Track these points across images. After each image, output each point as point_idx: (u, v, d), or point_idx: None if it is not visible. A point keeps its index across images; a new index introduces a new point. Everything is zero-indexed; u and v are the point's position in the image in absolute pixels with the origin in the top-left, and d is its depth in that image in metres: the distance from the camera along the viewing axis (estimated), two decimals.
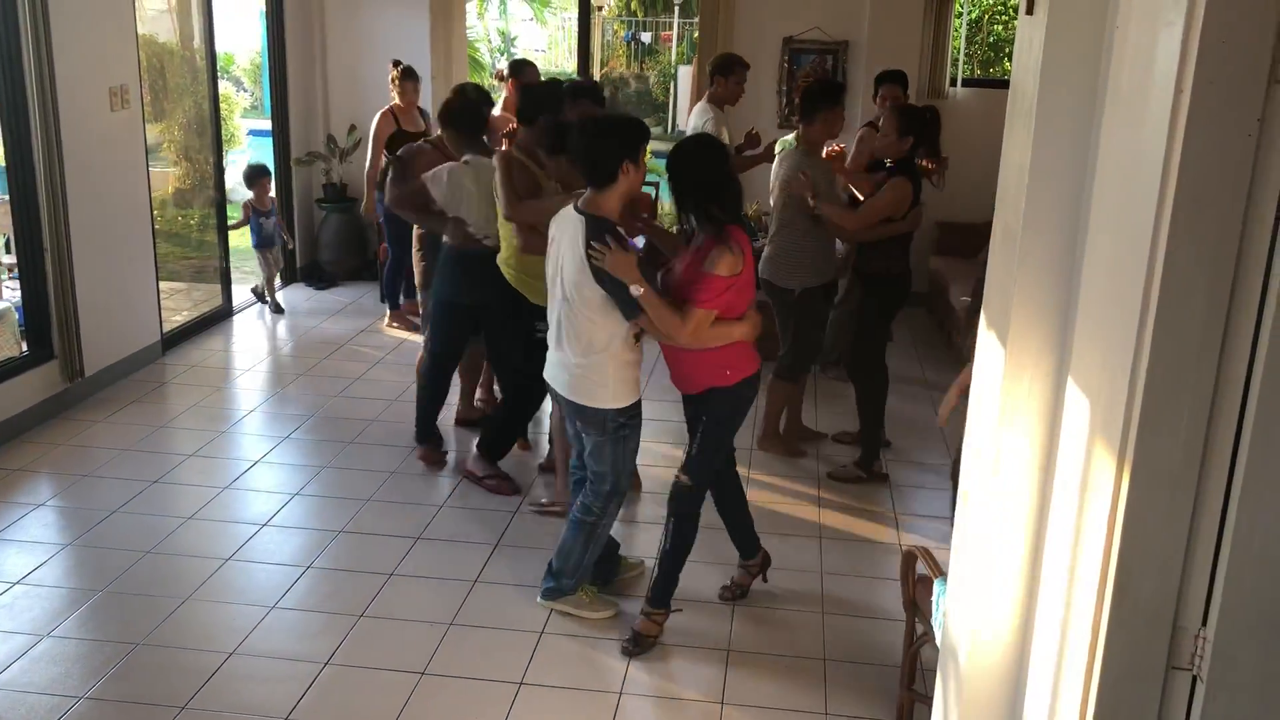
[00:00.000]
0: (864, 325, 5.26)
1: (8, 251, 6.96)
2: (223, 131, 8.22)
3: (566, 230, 3.65)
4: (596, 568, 4.06)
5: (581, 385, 3.73)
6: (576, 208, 3.64)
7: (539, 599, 4.03)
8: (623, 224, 3.64)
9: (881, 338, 5.32)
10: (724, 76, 6.48)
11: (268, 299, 7.89)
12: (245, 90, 15.05)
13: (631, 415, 3.77)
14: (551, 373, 3.85)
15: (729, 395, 3.76)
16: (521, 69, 6.97)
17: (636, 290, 3.48)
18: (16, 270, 5.85)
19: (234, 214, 7.97)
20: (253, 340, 7.35)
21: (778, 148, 5.62)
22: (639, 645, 3.82)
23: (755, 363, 3.81)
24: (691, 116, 6.70)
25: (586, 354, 3.67)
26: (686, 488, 3.81)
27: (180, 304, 7.98)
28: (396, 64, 7.28)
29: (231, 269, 7.88)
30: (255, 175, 7.73)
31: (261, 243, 7.76)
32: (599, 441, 3.79)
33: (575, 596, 4.00)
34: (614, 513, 3.95)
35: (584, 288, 3.57)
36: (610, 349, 3.65)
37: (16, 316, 5.89)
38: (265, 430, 5.69)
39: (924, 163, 5.21)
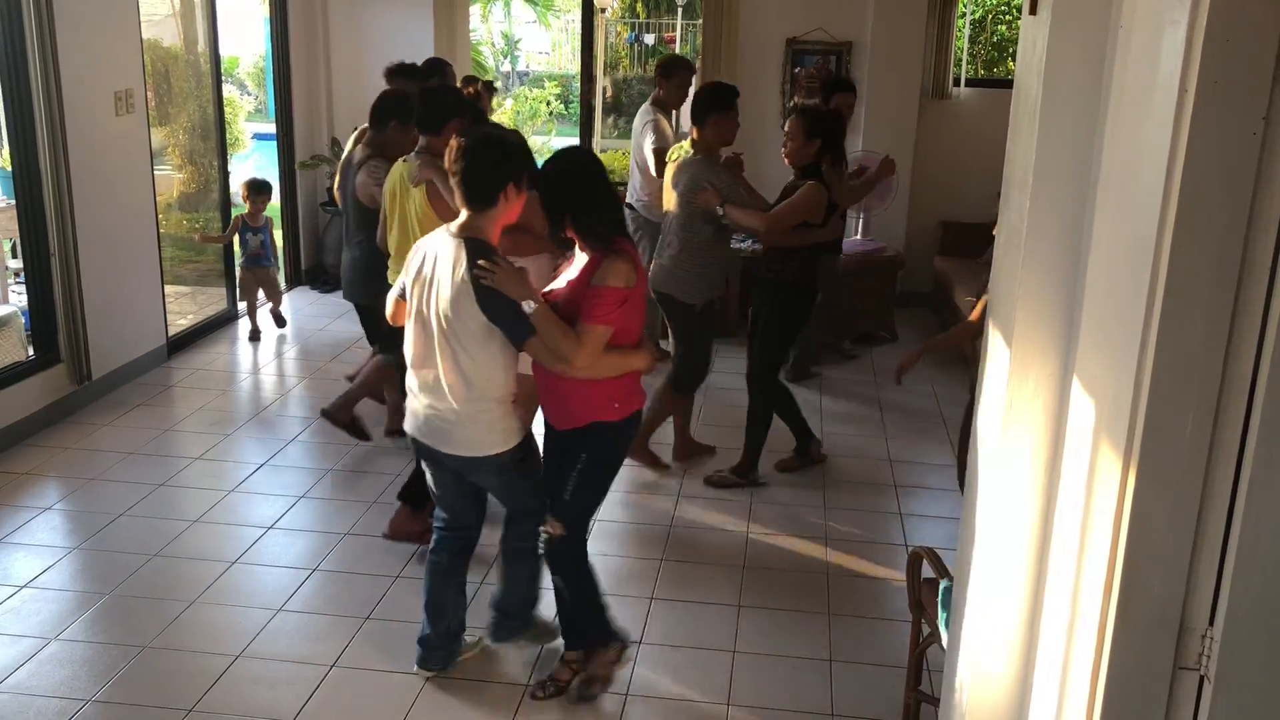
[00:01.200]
0: (768, 336, 5.09)
1: (14, 256, 6.98)
2: (227, 135, 8.23)
3: (439, 256, 3.26)
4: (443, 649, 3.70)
5: (467, 434, 3.34)
6: (450, 232, 3.29)
7: (490, 641, 3.74)
8: (503, 249, 3.33)
9: (785, 350, 5.23)
10: (666, 79, 6.44)
11: (254, 324, 7.39)
12: (249, 94, 15.08)
13: (525, 441, 3.46)
14: (417, 426, 3.41)
15: (614, 432, 3.42)
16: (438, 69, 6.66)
17: (529, 306, 3.14)
18: (23, 274, 5.86)
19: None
20: (258, 344, 7.35)
21: (670, 155, 5.34)
22: (590, 689, 3.57)
23: (642, 397, 3.53)
24: (636, 119, 6.67)
25: (469, 399, 3.28)
26: (559, 538, 3.47)
27: (185, 308, 7.99)
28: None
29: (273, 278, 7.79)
30: (257, 190, 7.30)
31: (248, 261, 7.31)
32: (503, 484, 3.51)
33: (531, 630, 3.75)
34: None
35: (464, 316, 3.18)
36: (494, 390, 3.29)
37: (23, 321, 5.90)
38: (271, 434, 5.69)
39: (828, 165, 5.06)
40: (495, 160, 3.24)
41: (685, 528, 4.79)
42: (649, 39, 15.73)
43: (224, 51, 8.30)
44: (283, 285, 8.04)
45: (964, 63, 8.85)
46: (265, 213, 7.33)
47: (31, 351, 5.79)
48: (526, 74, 19.39)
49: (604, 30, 14.30)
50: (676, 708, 3.57)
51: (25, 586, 4.17)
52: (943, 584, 3.13)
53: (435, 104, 4.55)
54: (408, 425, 3.46)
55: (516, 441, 3.40)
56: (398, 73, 6.72)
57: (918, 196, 8.03)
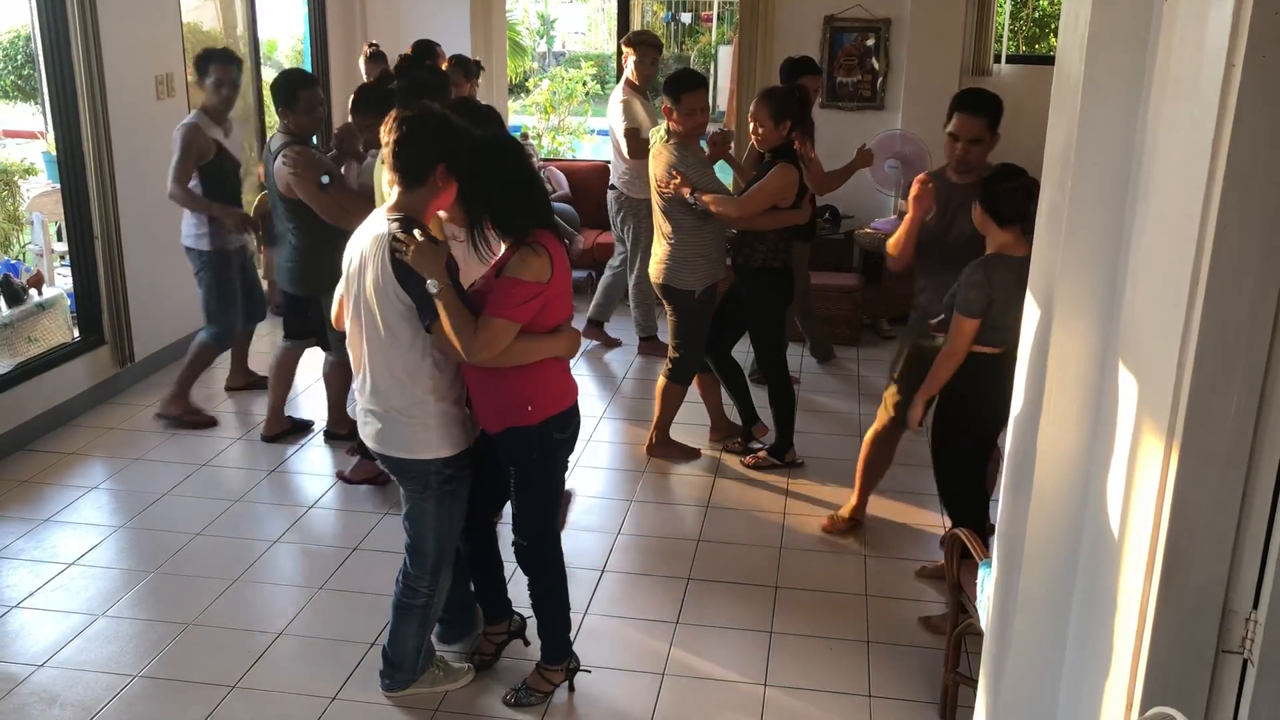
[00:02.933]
0: (752, 325, 5.07)
1: (59, 239, 7.07)
2: (265, 119, 8.29)
3: (368, 238, 3.12)
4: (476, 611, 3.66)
5: (395, 433, 3.16)
6: (383, 213, 3.15)
7: (386, 693, 3.48)
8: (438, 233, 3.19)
9: (774, 331, 5.14)
10: (635, 54, 6.36)
11: (273, 303, 7.34)
12: None
13: (460, 467, 3.22)
14: (361, 428, 3.29)
15: (531, 438, 3.18)
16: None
17: (434, 286, 2.94)
18: (68, 257, 5.94)
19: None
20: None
21: (654, 138, 5.15)
22: (528, 697, 3.46)
23: (568, 397, 3.26)
24: (610, 101, 6.60)
25: (399, 393, 3.12)
26: (524, 547, 3.37)
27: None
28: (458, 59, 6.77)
29: None
30: None
31: (273, 240, 7.46)
32: (419, 501, 3.25)
33: (426, 676, 3.50)
34: (445, 588, 3.41)
35: (387, 301, 3.05)
36: (422, 381, 3.12)
37: (68, 303, 5.99)
38: (311, 414, 5.75)
39: (799, 145, 4.98)
40: (425, 139, 3.08)
41: (721, 509, 4.80)
42: (685, 18, 15.63)
43: (263, 35, 8.36)
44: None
45: (1005, 39, 8.72)
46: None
47: (77, 333, 5.88)
48: (563, 54, 19.37)
49: (640, 9, 14.24)
50: (714, 687, 3.58)
51: (73, 564, 4.25)
52: (981, 566, 3.12)
53: (373, 96, 4.42)
54: (359, 427, 3.32)
55: (451, 454, 3.19)
56: (373, 58, 6.72)
57: None
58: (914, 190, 4.06)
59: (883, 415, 4.36)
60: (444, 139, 3.11)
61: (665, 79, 5.12)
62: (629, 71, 6.42)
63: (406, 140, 3.06)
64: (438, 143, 3.09)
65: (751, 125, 4.88)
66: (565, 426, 3.26)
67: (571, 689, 3.52)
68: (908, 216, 4.10)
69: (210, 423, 5.55)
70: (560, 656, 3.50)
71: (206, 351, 5.55)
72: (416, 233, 3.00)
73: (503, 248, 3.19)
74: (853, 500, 4.57)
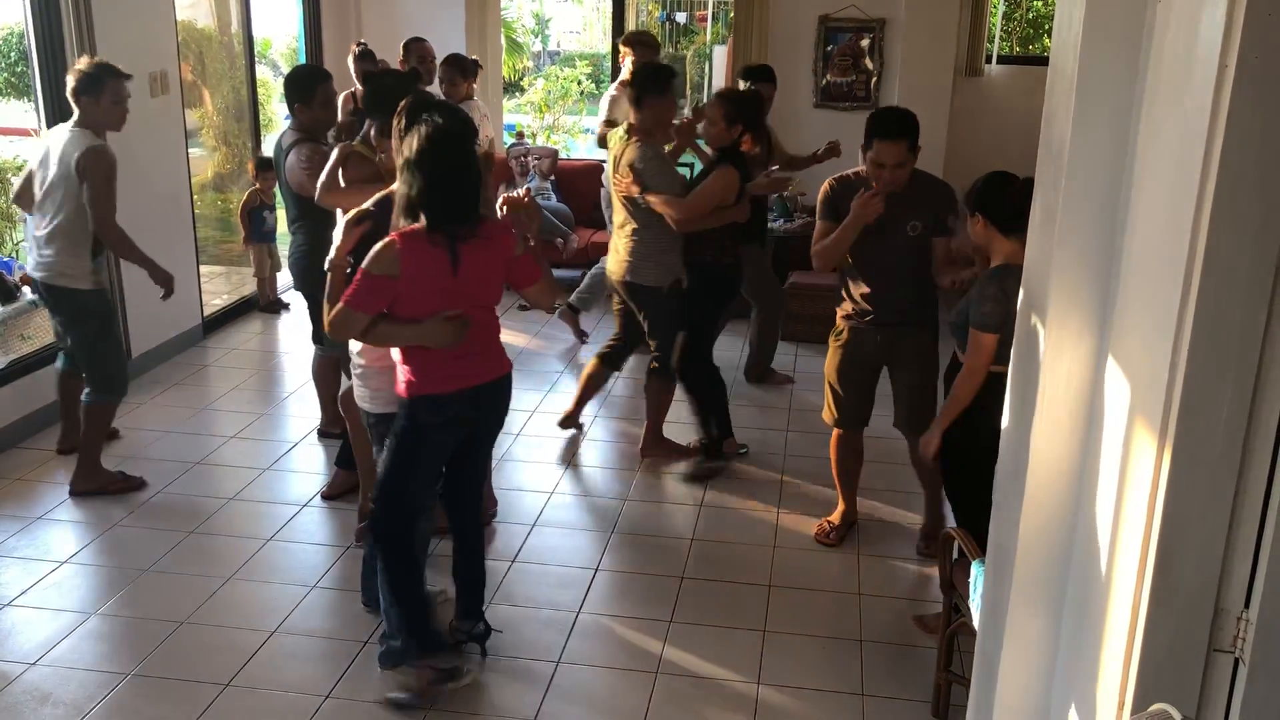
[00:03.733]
0: (691, 318, 5.02)
1: None
2: (260, 116, 8.28)
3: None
4: None
5: (361, 388, 3.62)
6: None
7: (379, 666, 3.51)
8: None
9: (709, 331, 5.14)
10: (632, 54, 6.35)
11: (264, 301, 7.54)
12: (282, 75, 15.13)
13: (408, 415, 3.32)
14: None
15: (404, 408, 3.31)
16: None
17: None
18: None
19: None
20: (292, 323, 7.41)
21: (610, 139, 5.16)
22: (401, 694, 3.43)
23: (446, 384, 3.28)
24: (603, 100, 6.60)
25: (360, 352, 3.56)
26: (372, 514, 3.43)
27: (220, 288, 8.07)
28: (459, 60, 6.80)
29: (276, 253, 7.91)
30: (266, 167, 7.31)
31: (261, 237, 7.48)
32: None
33: (416, 673, 3.43)
34: (386, 546, 3.40)
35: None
36: (359, 346, 3.50)
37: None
38: (305, 412, 5.74)
39: (747, 147, 5.02)
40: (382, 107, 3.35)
41: (714, 508, 4.80)
42: (680, 17, 15.63)
43: (257, 33, 8.35)
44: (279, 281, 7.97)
45: (998, 39, 8.75)
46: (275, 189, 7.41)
47: None
48: (558, 53, 19.36)
49: (635, 9, 14.23)
50: (707, 686, 3.59)
51: (66, 562, 4.24)
52: (975, 564, 3.12)
53: (383, 90, 4.34)
54: None
55: (381, 411, 3.51)
56: (361, 57, 6.71)
57: (950, 175, 7.88)
58: (860, 203, 4.03)
59: (827, 418, 4.47)
60: (382, 101, 3.41)
61: (633, 76, 5.11)
62: (625, 71, 6.42)
63: (408, 120, 3.21)
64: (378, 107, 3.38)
65: (704, 123, 4.93)
66: (437, 412, 3.30)
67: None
68: (845, 224, 4.10)
69: (140, 484, 4.85)
70: (428, 650, 3.41)
71: (106, 409, 4.83)
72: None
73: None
74: (840, 506, 4.58)
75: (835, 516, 4.58)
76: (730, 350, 6.73)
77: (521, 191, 3.50)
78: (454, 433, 3.38)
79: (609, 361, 5.34)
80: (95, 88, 4.53)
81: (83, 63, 4.63)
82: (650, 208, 4.78)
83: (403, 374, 3.29)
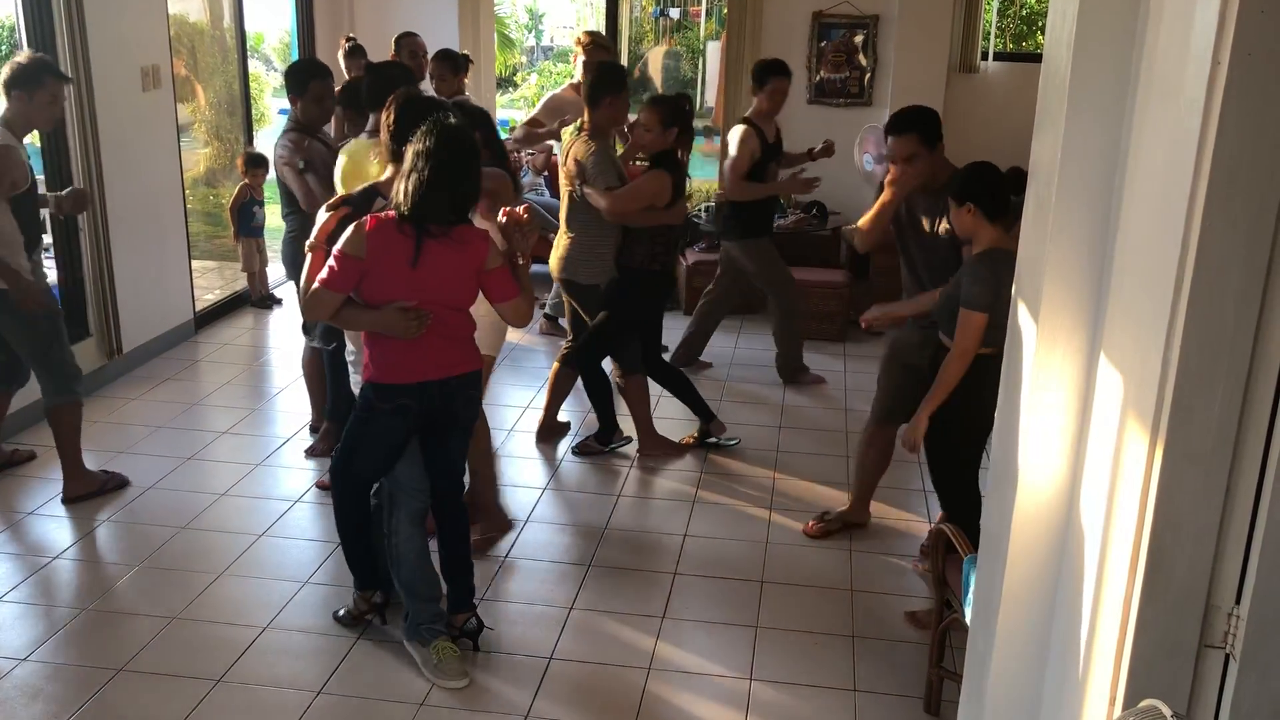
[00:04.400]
0: (616, 317, 5.01)
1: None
2: (253, 111, 8.26)
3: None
4: None
5: (355, 375, 3.84)
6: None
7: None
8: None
9: (631, 332, 5.11)
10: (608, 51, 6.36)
11: (255, 296, 7.53)
12: (275, 69, 15.10)
13: (361, 395, 3.52)
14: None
15: (362, 393, 3.51)
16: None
17: (306, 247, 3.38)
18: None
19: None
20: (283, 318, 7.40)
21: (564, 135, 5.24)
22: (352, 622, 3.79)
23: (395, 374, 3.39)
24: None
25: (352, 338, 3.82)
26: (330, 472, 3.70)
27: (212, 283, 8.05)
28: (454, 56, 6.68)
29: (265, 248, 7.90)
30: (255, 163, 7.43)
31: (250, 231, 7.47)
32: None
33: (430, 649, 3.56)
34: (344, 503, 3.66)
35: None
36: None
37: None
38: (297, 407, 5.73)
39: (683, 152, 5.03)
40: (425, 117, 3.28)
41: (706, 504, 4.80)
42: (674, 13, 15.61)
43: (249, 27, 8.32)
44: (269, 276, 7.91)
45: (992, 36, 8.75)
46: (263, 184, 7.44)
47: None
48: (550, 48, 19.33)
49: (629, 4, 14.22)
50: (699, 682, 3.59)
51: (57, 558, 4.23)
52: (966, 561, 3.13)
53: (389, 81, 4.21)
54: None
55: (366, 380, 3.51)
56: (350, 53, 6.69)
57: None
58: (891, 174, 4.08)
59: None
60: (425, 117, 3.30)
61: (591, 74, 5.12)
62: (578, 72, 6.30)
63: (406, 118, 3.31)
64: (421, 119, 3.29)
65: (638, 131, 4.98)
66: (384, 399, 3.43)
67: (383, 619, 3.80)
68: (882, 198, 4.14)
69: (123, 481, 4.81)
70: (367, 583, 3.78)
71: (75, 406, 4.65)
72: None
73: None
74: (849, 503, 4.56)
75: (846, 512, 4.55)
76: (759, 348, 6.73)
77: (522, 208, 3.51)
78: (402, 420, 3.46)
79: (569, 362, 5.29)
80: (33, 84, 4.34)
81: (22, 55, 4.51)
82: (589, 205, 4.85)
83: (364, 358, 3.47)
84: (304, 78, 4.87)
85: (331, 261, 3.25)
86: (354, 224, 3.27)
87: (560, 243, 5.06)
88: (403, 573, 3.62)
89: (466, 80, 6.76)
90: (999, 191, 3.59)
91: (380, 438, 3.50)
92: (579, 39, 6.40)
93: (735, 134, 5.94)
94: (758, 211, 6.04)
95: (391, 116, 3.48)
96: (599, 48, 6.20)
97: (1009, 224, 3.55)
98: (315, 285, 3.27)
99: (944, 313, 3.68)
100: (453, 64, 6.49)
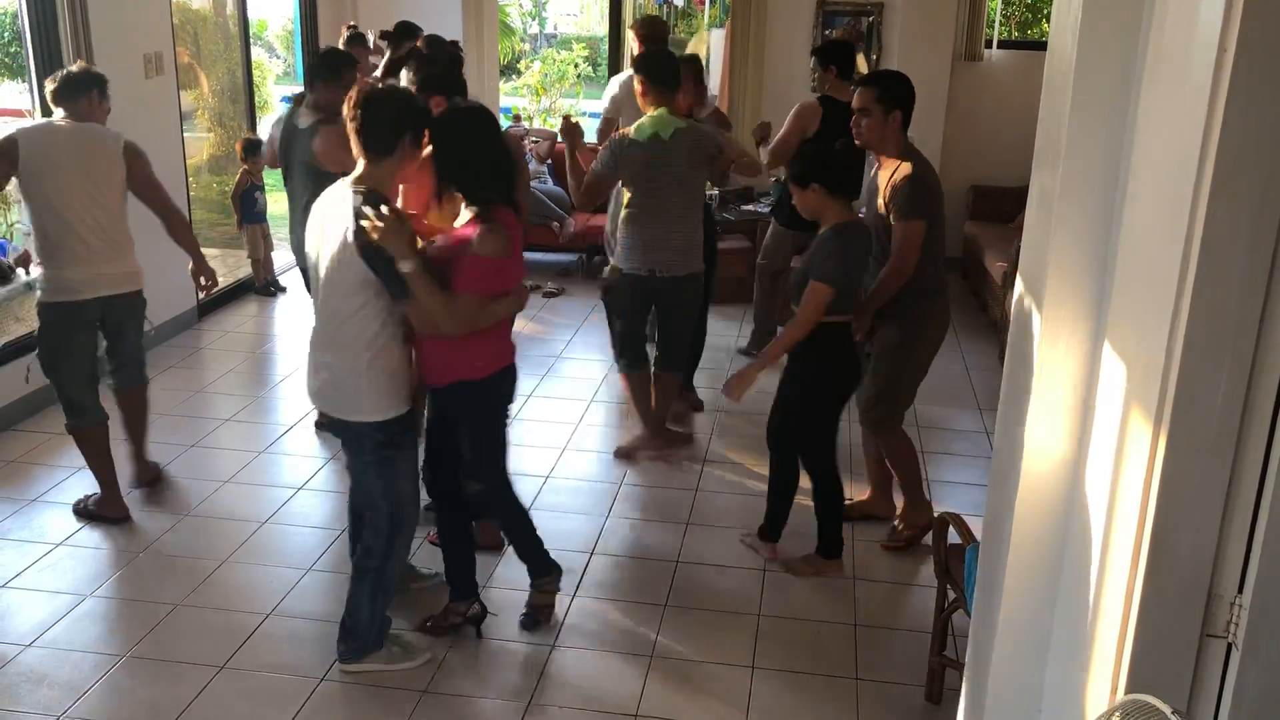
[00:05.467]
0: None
1: None
2: (256, 98, 8.24)
3: (333, 207, 3.22)
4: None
5: (332, 392, 3.29)
6: (347, 183, 3.23)
7: (340, 665, 3.50)
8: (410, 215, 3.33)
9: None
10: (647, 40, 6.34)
11: (259, 282, 7.51)
12: (278, 57, 15.08)
13: (396, 432, 3.31)
14: (307, 380, 3.42)
15: (480, 390, 3.42)
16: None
17: (406, 266, 3.07)
18: None
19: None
20: (286, 305, 7.40)
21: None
22: (538, 615, 3.76)
23: (509, 355, 3.51)
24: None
25: (339, 352, 3.22)
26: (481, 491, 3.58)
27: (215, 270, 8.02)
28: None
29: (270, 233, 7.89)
30: (254, 150, 7.32)
31: (253, 218, 7.43)
32: (358, 462, 3.38)
33: (383, 652, 3.52)
34: (401, 553, 3.50)
35: (344, 268, 3.14)
36: (367, 346, 3.19)
37: None
38: (301, 395, 5.72)
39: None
40: (394, 109, 3.22)
41: (710, 494, 4.81)
42: (679, 0, 15.57)
43: (252, 15, 8.31)
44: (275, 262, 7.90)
45: (997, 24, 8.71)
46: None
47: None
48: (554, 36, 19.28)
49: None
50: (701, 670, 3.59)
51: (61, 544, 4.24)
52: (969, 550, 3.13)
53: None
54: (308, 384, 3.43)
55: (390, 417, 3.28)
56: (351, 40, 6.65)
57: (948, 160, 7.95)
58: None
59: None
60: (409, 111, 3.27)
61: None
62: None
63: (373, 112, 3.16)
64: (403, 114, 3.23)
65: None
66: (510, 378, 3.52)
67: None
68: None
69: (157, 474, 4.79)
70: (545, 568, 3.76)
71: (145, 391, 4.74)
72: (384, 209, 3.06)
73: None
74: (899, 508, 4.48)
75: (899, 521, 4.45)
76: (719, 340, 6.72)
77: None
78: (510, 401, 3.62)
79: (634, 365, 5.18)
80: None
81: (75, 67, 4.51)
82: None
83: (466, 358, 3.38)
84: (337, 65, 4.92)
85: (479, 270, 3.22)
86: (490, 229, 3.24)
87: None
88: (389, 594, 3.53)
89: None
90: (837, 169, 3.78)
91: (505, 426, 3.64)
92: (631, 26, 6.42)
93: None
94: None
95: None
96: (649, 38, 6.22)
97: (851, 197, 3.85)
98: (469, 296, 3.21)
99: (796, 286, 3.86)
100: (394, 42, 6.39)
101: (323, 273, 3.22)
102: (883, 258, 4.05)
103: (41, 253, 4.25)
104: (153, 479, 4.72)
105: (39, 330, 4.32)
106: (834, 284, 3.72)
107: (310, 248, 3.32)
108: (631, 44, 6.18)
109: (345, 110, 3.21)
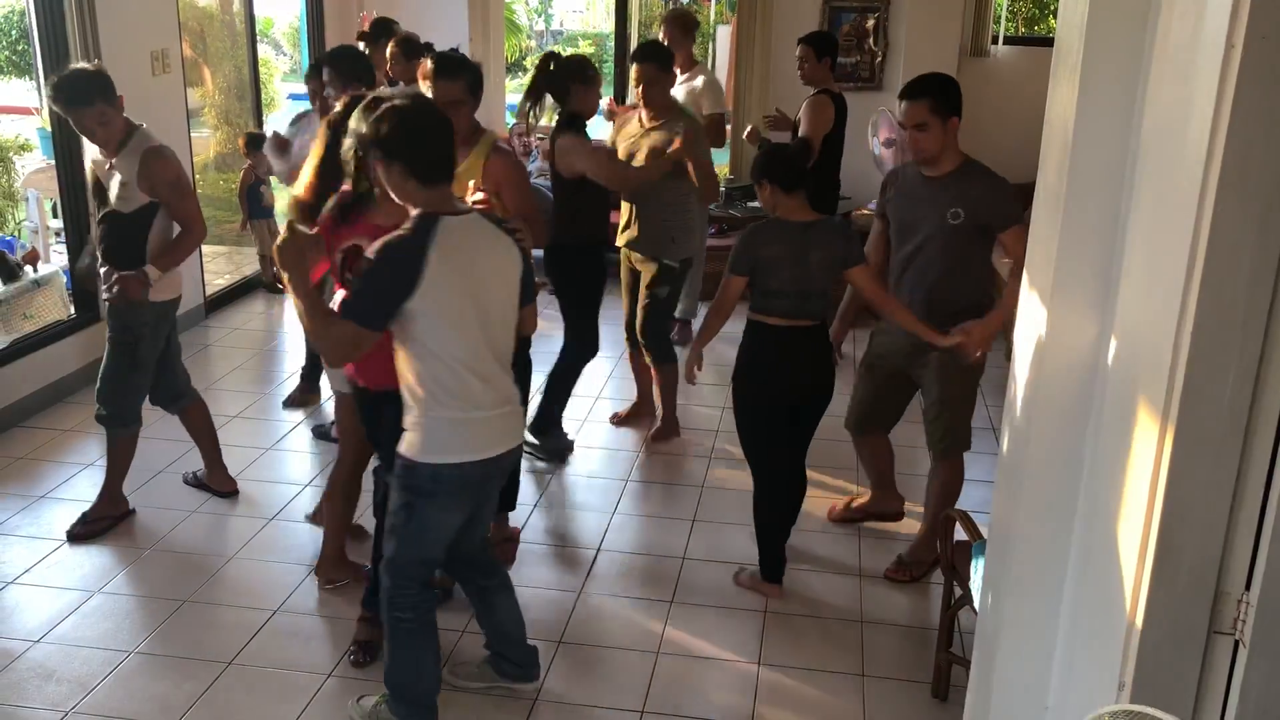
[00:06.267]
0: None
1: (55, 216, 7.05)
2: (262, 96, 8.25)
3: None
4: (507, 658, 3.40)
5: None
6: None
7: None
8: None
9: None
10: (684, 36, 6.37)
11: (267, 278, 7.43)
12: (285, 54, 15.10)
13: (435, 479, 2.86)
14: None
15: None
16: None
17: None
18: (64, 236, 5.93)
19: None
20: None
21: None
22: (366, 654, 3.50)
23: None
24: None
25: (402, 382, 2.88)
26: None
27: (222, 268, 8.07)
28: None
29: (278, 229, 7.91)
30: (255, 144, 7.17)
31: (260, 213, 7.39)
32: (395, 503, 2.97)
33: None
34: (425, 603, 3.05)
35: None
36: (412, 381, 2.81)
37: (64, 280, 5.97)
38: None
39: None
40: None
41: (716, 489, 4.80)
42: None
43: (259, 12, 8.32)
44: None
45: (1004, 20, 8.70)
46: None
47: (72, 310, 5.86)
48: (560, 32, 19.29)
49: None
50: (708, 666, 3.60)
51: (69, 541, 4.25)
52: (975, 547, 3.13)
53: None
54: None
55: (425, 461, 2.86)
56: (363, 38, 6.63)
57: None
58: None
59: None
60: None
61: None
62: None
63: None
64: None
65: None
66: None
67: None
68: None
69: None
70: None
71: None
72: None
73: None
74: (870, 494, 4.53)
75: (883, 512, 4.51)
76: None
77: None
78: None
79: (634, 344, 5.26)
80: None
81: (90, 66, 4.41)
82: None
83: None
84: (358, 66, 4.97)
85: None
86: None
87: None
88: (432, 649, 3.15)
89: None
90: (792, 167, 3.78)
91: None
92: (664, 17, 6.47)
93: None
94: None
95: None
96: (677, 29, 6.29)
97: (806, 194, 3.81)
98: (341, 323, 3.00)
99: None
100: (415, 50, 6.35)
101: None
102: (943, 267, 3.84)
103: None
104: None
105: (152, 326, 4.27)
106: (738, 274, 3.73)
107: None
108: (660, 36, 6.22)
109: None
